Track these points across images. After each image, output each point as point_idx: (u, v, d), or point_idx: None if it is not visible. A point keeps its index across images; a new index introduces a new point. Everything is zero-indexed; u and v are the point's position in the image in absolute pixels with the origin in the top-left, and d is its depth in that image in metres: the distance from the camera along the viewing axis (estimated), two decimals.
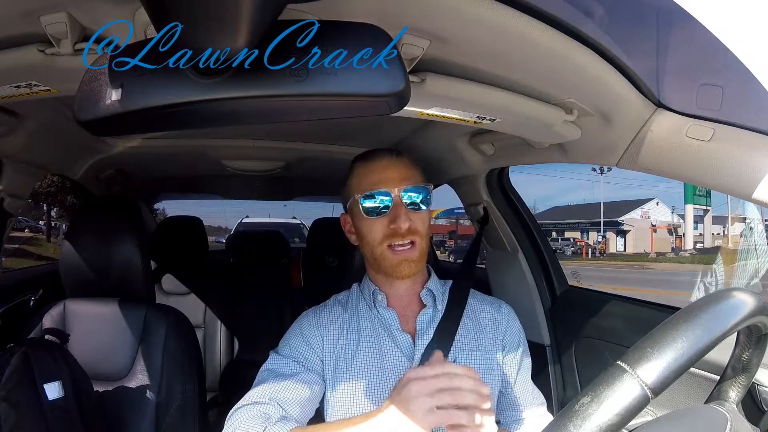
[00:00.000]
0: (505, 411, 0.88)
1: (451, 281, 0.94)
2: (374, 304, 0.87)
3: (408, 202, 0.81)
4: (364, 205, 0.82)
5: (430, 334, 0.84)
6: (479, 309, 0.91)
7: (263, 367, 0.83)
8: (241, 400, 0.78)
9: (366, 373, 0.82)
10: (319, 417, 0.85)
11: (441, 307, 0.87)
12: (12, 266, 2.10)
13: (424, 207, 0.83)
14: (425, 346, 0.83)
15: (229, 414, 0.76)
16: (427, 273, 0.91)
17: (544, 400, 0.90)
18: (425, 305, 0.87)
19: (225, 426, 0.74)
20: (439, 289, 0.90)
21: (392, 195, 0.81)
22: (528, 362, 0.91)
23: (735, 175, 0.73)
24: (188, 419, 1.12)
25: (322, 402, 0.84)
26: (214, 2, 0.37)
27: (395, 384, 0.80)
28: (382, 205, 0.81)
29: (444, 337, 0.84)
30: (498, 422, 0.87)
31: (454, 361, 0.83)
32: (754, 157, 0.70)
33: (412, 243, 0.82)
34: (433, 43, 0.63)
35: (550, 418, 0.89)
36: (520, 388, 0.88)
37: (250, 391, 0.79)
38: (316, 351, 0.84)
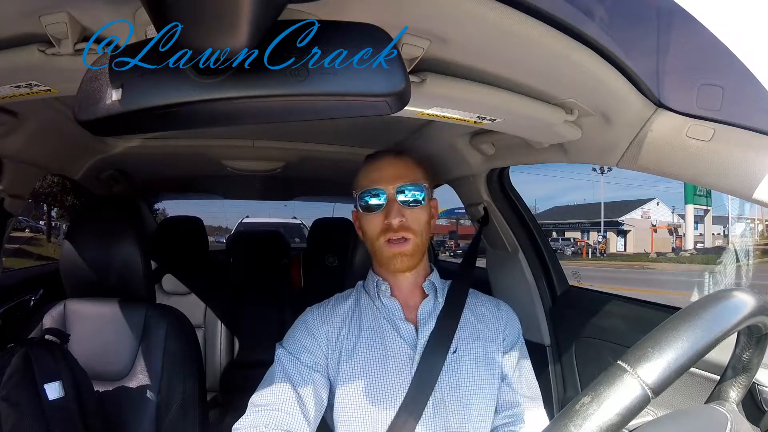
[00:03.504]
0: (502, 402, 0.88)
1: (450, 281, 0.96)
2: (378, 295, 0.89)
3: (401, 199, 0.86)
4: (361, 201, 0.88)
5: (432, 324, 0.86)
6: (478, 302, 0.94)
7: (273, 368, 0.83)
8: (250, 410, 0.77)
9: (369, 361, 0.84)
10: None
11: (442, 300, 0.90)
12: (12, 266, 2.10)
13: (420, 203, 0.87)
14: (428, 334, 0.85)
15: (235, 426, 0.75)
16: (429, 268, 0.94)
17: (540, 395, 0.92)
18: (427, 295, 0.90)
19: None
20: (440, 284, 0.93)
21: (387, 192, 0.86)
22: (527, 360, 0.93)
23: (735, 175, 0.73)
24: (188, 419, 1.12)
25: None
26: (214, 2, 0.37)
27: (397, 372, 0.80)
28: (377, 202, 0.87)
29: (446, 326, 0.86)
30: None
31: (455, 351, 0.85)
32: (755, 157, 0.70)
33: (405, 239, 0.85)
34: (434, 43, 0.63)
35: (544, 415, 0.89)
36: (517, 381, 0.89)
37: (258, 396, 0.78)
38: (321, 344, 0.85)
